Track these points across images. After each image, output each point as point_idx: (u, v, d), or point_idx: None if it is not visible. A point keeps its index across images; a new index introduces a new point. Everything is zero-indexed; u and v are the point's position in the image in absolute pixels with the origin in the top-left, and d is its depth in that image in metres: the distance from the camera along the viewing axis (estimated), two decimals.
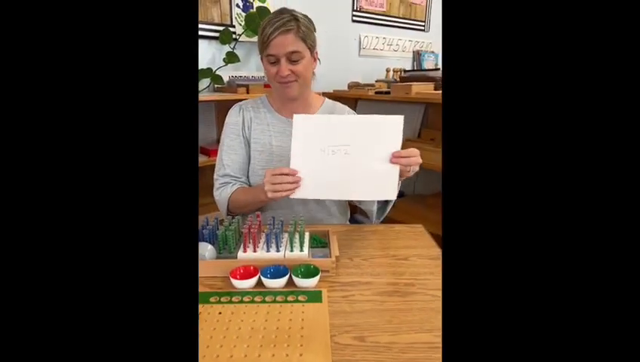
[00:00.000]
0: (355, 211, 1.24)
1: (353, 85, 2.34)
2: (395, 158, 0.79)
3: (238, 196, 0.99)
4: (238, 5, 2.01)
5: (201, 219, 0.83)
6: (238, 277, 0.70)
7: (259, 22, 1.80)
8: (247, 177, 1.06)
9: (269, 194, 0.81)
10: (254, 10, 1.99)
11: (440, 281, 0.70)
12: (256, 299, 0.66)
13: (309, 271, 0.72)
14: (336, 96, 1.35)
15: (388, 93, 2.01)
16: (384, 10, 2.68)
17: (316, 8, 1.60)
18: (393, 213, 1.06)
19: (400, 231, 0.99)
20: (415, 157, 0.81)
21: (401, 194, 0.84)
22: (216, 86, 1.99)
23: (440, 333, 0.58)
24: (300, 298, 0.67)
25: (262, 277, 0.70)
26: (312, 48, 0.97)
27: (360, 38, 2.61)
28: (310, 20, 0.97)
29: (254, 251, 0.77)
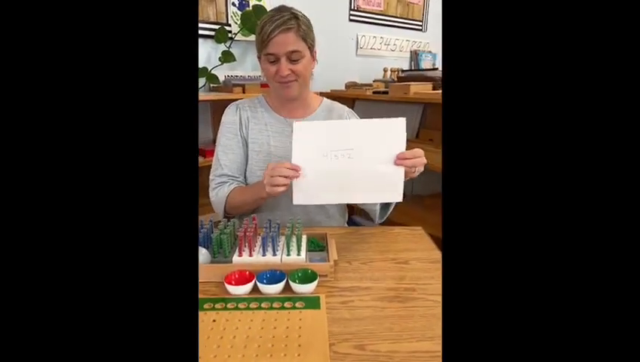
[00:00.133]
0: (352, 213, 1.22)
1: (351, 85, 2.32)
2: (399, 160, 0.78)
3: (236, 195, 0.97)
4: (234, 4, 1.99)
5: None
6: (233, 282, 0.68)
7: (255, 20, 1.78)
8: (245, 178, 1.04)
9: (267, 188, 0.80)
10: (250, 8, 1.96)
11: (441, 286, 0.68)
12: (252, 305, 0.64)
13: (307, 276, 0.70)
14: (333, 96, 1.33)
15: (386, 93, 2.00)
16: (381, 9, 2.66)
17: (313, 7, 1.58)
18: (391, 215, 1.04)
19: (399, 234, 0.97)
20: (420, 157, 0.80)
21: (403, 196, 0.83)
22: (211, 85, 1.97)
23: None
24: (298, 304, 0.64)
25: (258, 283, 0.67)
26: (311, 47, 0.95)
27: (357, 38, 2.59)
28: (308, 19, 0.95)
29: (250, 255, 0.75)
